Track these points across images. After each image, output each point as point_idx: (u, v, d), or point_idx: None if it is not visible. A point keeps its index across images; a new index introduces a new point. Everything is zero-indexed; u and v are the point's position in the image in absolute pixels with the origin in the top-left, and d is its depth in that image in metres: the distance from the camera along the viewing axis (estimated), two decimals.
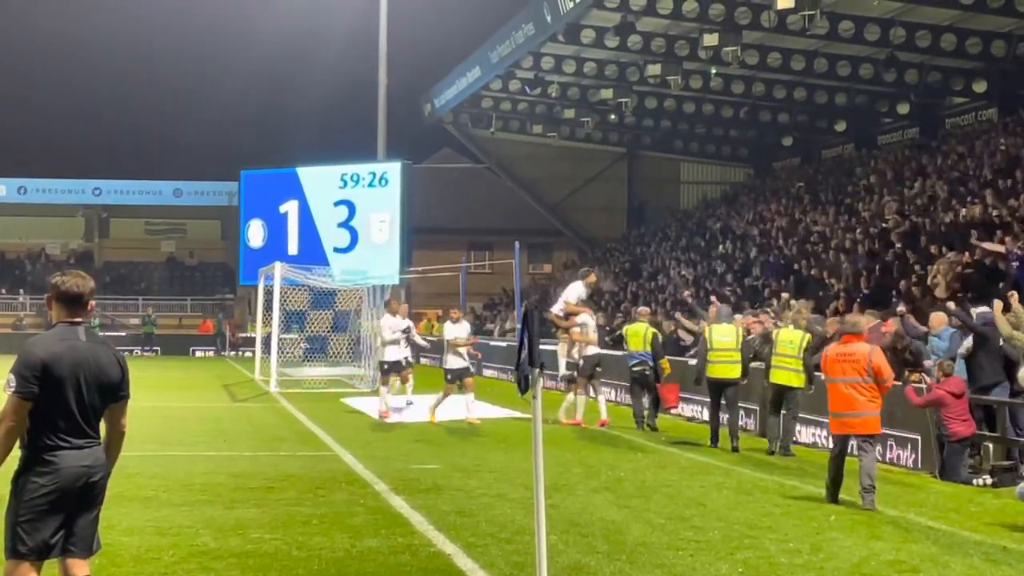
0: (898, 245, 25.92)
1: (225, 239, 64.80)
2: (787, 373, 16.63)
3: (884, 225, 28.51)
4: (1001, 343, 15.10)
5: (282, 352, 30.88)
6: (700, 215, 46.98)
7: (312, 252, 38.89)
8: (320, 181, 40.72)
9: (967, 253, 22.12)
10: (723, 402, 17.83)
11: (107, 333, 49.63)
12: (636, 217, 54.09)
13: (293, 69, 76.89)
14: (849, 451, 12.61)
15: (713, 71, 38.30)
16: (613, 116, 46.06)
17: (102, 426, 6.36)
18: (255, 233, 42.81)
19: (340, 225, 39.61)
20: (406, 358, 22.61)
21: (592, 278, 20.73)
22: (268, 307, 31.89)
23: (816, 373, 15.64)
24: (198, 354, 52.57)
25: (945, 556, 9.61)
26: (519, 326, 7.82)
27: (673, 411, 21.77)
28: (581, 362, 20.04)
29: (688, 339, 24.44)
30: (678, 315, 25.88)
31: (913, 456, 15.23)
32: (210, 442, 17.55)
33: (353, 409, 23.56)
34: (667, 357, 20.78)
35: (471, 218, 56.85)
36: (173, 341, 53.12)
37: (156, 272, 64.90)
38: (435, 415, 20.36)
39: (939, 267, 21.94)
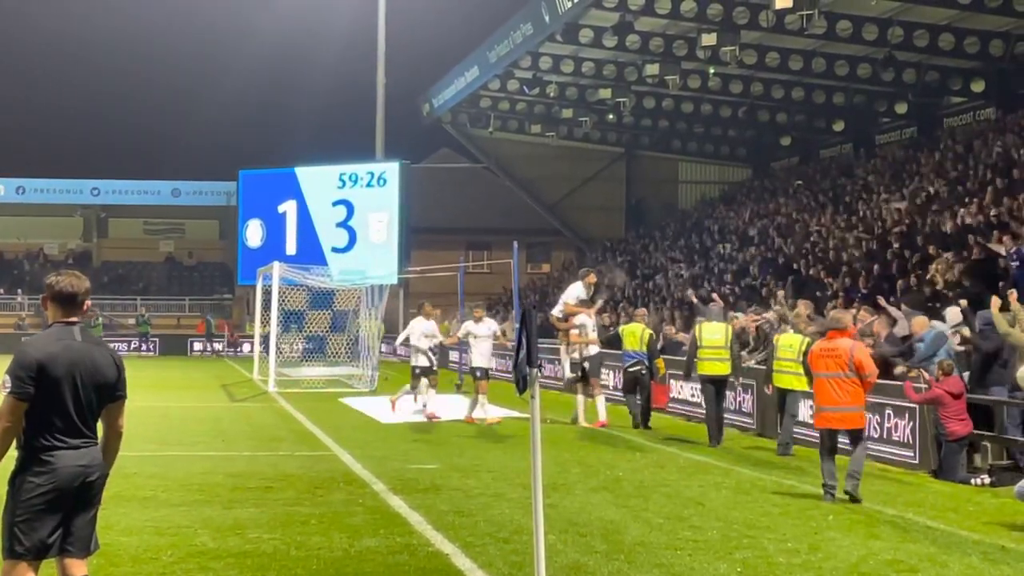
0: (896, 245, 25.92)
1: (223, 239, 64.84)
2: (789, 377, 16.78)
3: (882, 225, 28.53)
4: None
5: (279, 352, 30.89)
6: (698, 215, 46.99)
7: (310, 252, 38.88)
8: (318, 181, 40.71)
9: (965, 253, 22.14)
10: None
11: (107, 334, 49.77)
12: (634, 217, 54.09)
13: (292, 69, 77.04)
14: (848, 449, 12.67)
15: (711, 71, 38.30)
16: (611, 116, 46.05)
17: (99, 427, 6.36)
18: (253, 233, 42.80)
19: (338, 225, 39.60)
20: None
21: (591, 278, 20.71)
22: (267, 307, 31.91)
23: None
24: (196, 346, 52.78)
25: (943, 555, 9.62)
26: (517, 326, 7.82)
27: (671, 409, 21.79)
28: (586, 364, 20.04)
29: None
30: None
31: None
32: (208, 442, 17.55)
33: (353, 409, 23.56)
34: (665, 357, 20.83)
35: (469, 218, 56.86)
36: (172, 341, 53.18)
37: (154, 272, 64.92)
38: (473, 415, 20.45)
39: (938, 267, 21.96)
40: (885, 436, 15.57)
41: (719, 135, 49.36)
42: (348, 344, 33.41)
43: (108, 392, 6.27)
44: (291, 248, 39.93)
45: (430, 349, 21.58)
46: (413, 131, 56.02)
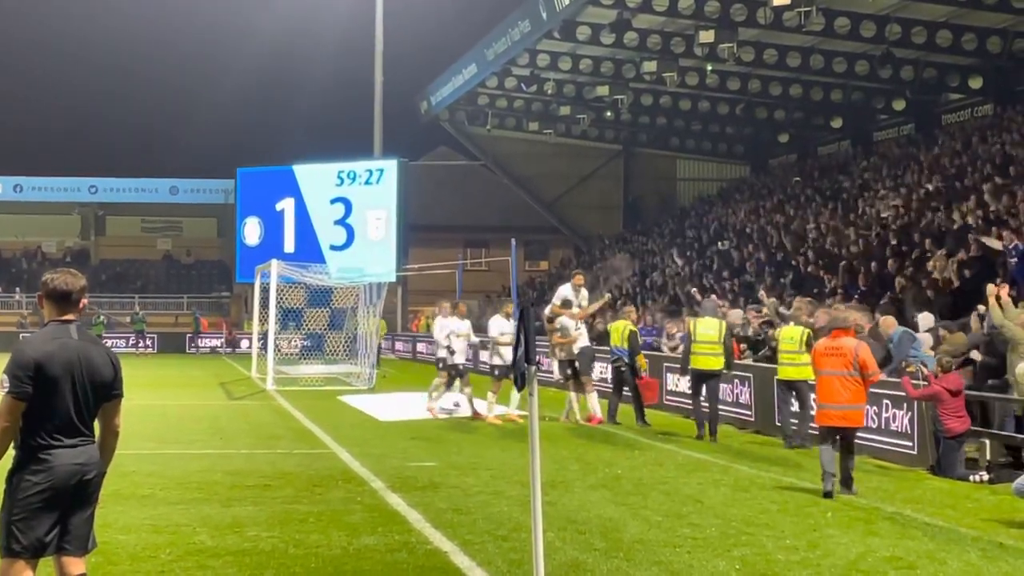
0: (894, 242, 25.92)
1: (221, 237, 64.83)
2: (791, 368, 16.96)
3: (880, 221, 28.54)
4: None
5: (277, 350, 30.88)
6: (696, 212, 47.00)
7: (308, 250, 38.89)
8: (316, 178, 40.71)
9: (963, 249, 22.15)
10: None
11: (106, 332, 49.79)
12: (632, 214, 54.10)
13: (289, 67, 77.05)
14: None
15: (709, 68, 38.31)
16: (609, 113, 46.07)
17: (96, 425, 6.35)
18: (251, 231, 42.81)
19: (336, 222, 39.61)
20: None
21: (578, 279, 20.92)
22: (265, 305, 31.90)
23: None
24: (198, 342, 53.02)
25: (942, 552, 9.61)
26: (515, 323, 7.81)
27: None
28: (577, 363, 20.08)
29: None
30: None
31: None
32: (207, 440, 17.54)
33: (351, 406, 23.55)
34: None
35: (467, 215, 56.88)
36: (170, 339, 53.20)
37: (152, 270, 64.93)
38: (491, 414, 20.46)
39: (936, 263, 21.97)
40: (883, 427, 15.61)
41: (717, 132, 49.37)
42: (346, 342, 33.40)
43: (105, 391, 6.27)
44: (289, 246, 39.94)
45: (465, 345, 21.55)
46: (411, 129, 56.07)
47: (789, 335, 17.08)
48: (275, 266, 31.24)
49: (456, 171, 56.99)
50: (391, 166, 39.55)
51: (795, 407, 17.21)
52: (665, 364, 22.79)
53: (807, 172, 41.63)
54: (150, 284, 63.20)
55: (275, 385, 28.21)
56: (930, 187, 29.32)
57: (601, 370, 23.57)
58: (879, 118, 40.94)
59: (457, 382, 21.43)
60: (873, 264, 25.06)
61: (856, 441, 13.18)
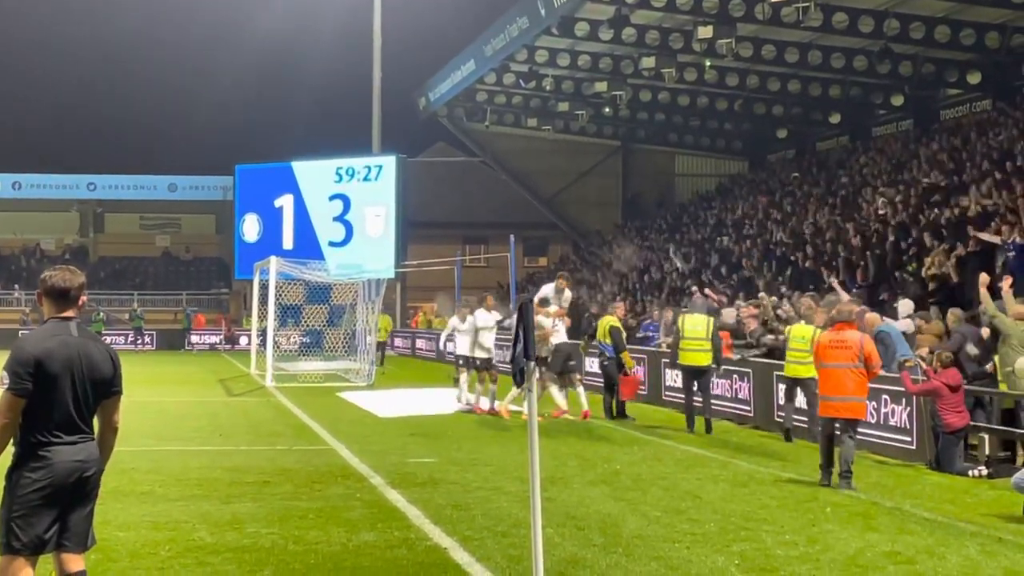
0: (892, 237, 25.93)
1: (220, 233, 64.79)
2: (800, 367, 17.02)
3: (879, 217, 28.54)
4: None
5: (276, 346, 30.88)
6: (695, 208, 46.99)
7: (307, 246, 38.85)
8: (315, 175, 40.65)
9: (962, 244, 22.17)
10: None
11: (106, 330, 49.80)
12: (631, 210, 54.09)
13: (287, 64, 77.02)
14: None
15: (707, 64, 38.26)
16: (607, 109, 46.04)
17: (95, 422, 6.35)
18: (250, 227, 42.76)
19: (335, 219, 39.56)
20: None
21: (562, 282, 21.15)
22: (264, 301, 31.89)
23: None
24: (193, 339, 52.89)
25: (941, 547, 9.62)
26: (514, 319, 7.81)
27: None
28: (549, 358, 20.09)
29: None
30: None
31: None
32: (206, 437, 17.54)
33: (350, 403, 23.56)
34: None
35: (466, 212, 56.85)
36: (169, 335, 53.17)
37: (151, 267, 64.90)
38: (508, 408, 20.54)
39: (934, 258, 21.98)
40: (882, 422, 15.63)
41: (715, 128, 49.36)
42: (345, 338, 33.38)
43: (105, 387, 6.27)
44: (288, 242, 39.89)
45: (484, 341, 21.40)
46: (409, 125, 56.09)
47: (800, 334, 17.24)
48: (274, 263, 31.21)
49: (455, 167, 56.97)
50: (390, 162, 39.49)
51: (800, 403, 17.27)
52: (663, 360, 22.79)
53: (805, 168, 41.63)
54: (149, 281, 63.19)
55: (274, 382, 28.21)
56: (928, 182, 29.32)
57: (589, 364, 23.71)
58: (877, 113, 40.92)
59: (464, 375, 21.52)
60: (871, 259, 25.08)
61: (856, 436, 13.23)
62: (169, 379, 31.04)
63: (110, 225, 67.18)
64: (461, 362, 21.84)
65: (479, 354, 21.10)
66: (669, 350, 20.94)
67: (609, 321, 20.62)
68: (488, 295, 22.86)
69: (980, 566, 9.02)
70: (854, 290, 22.79)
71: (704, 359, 18.48)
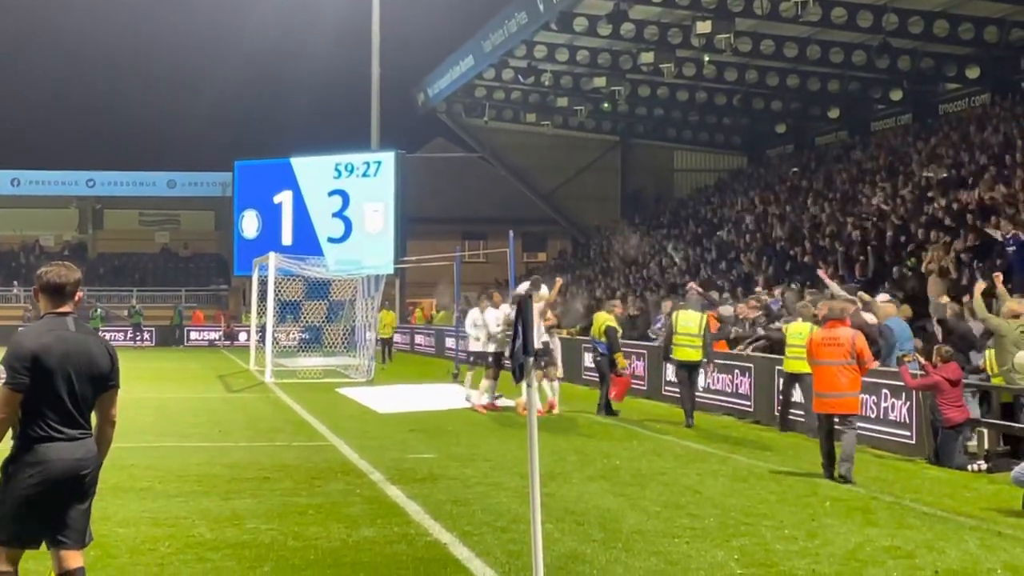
0: (891, 232, 25.93)
1: (219, 230, 64.77)
2: (800, 362, 17.05)
3: (878, 211, 28.54)
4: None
5: (275, 342, 30.87)
6: (694, 203, 46.98)
7: (306, 242, 38.91)
8: (314, 171, 40.70)
9: (961, 239, 22.17)
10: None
11: (105, 326, 49.84)
12: (631, 205, 54.06)
13: (286, 60, 77.02)
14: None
15: (706, 59, 38.27)
16: (606, 104, 46.01)
17: (93, 417, 6.35)
18: (249, 224, 42.82)
19: (334, 215, 39.61)
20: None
21: (534, 284, 21.11)
22: (263, 297, 31.88)
23: None
24: (192, 336, 52.87)
25: (940, 542, 9.63)
26: (513, 315, 7.81)
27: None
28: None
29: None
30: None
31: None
32: (205, 433, 17.54)
33: (349, 398, 23.56)
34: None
35: (465, 207, 56.81)
36: (168, 332, 53.17)
37: (150, 263, 64.87)
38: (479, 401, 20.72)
39: (934, 253, 21.99)
40: (882, 416, 15.66)
41: (714, 123, 49.33)
42: (344, 334, 33.38)
43: (102, 382, 6.26)
44: (287, 238, 39.96)
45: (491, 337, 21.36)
46: (408, 121, 56.06)
47: (797, 330, 17.54)
48: (273, 259, 31.22)
49: (453, 163, 56.92)
50: (388, 158, 39.56)
51: (797, 398, 17.56)
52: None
53: (804, 162, 41.62)
54: (148, 277, 63.16)
55: (273, 378, 28.21)
56: (927, 177, 29.31)
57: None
58: (876, 108, 40.89)
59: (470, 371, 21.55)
60: (870, 253, 25.07)
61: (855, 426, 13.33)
62: (168, 375, 31.03)
63: (109, 221, 67.13)
64: (475, 359, 21.49)
65: (491, 349, 21.08)
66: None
67: (606, 320, 20.56)
68: (495, 292, 22.88)
69: (979, 560, 9.03)
70: (850, 284, 22.80)
71: (696, 355, 18.75)
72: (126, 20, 75.31)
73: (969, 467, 13.82)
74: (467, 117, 51.49)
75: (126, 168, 65.01)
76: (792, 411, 17.74)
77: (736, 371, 20.16)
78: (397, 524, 10.25)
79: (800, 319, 18.02)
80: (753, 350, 20.56)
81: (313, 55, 71.58)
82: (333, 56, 65.28)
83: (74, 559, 6.19)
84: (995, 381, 14.95)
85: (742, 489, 12.23)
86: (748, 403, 19.77)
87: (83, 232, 66.36)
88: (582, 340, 25.65)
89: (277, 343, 31.54)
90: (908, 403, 15.15)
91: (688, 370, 18.94)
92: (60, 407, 6.07)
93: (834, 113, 41.94)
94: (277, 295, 30.94)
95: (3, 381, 6.00)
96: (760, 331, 21.04)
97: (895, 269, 23.42)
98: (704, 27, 31.87)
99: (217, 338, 52.77)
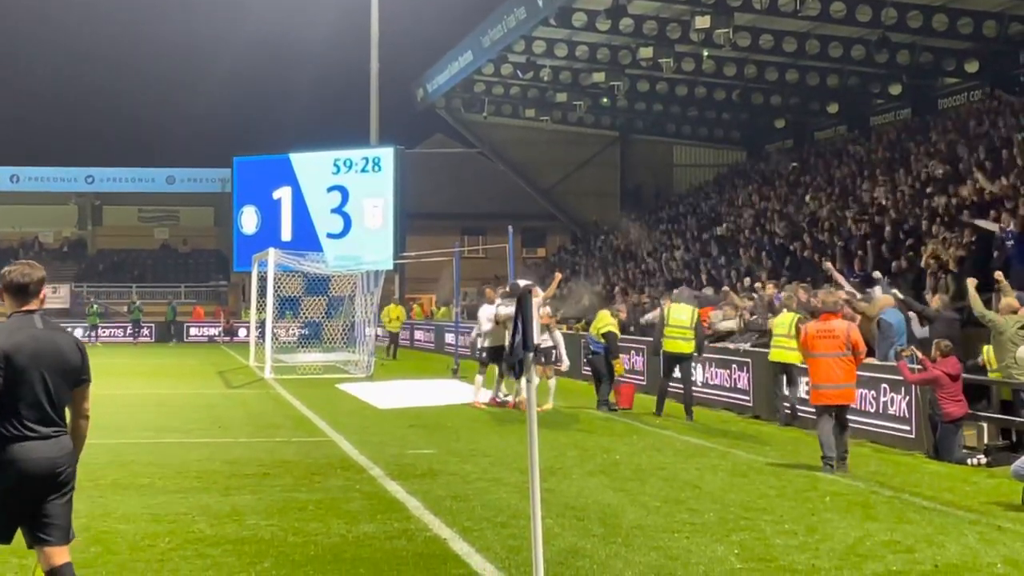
0: (890, 226, 25.92)
1: (218, 226, 64.80)
2: (784, 351, 17.79)
3: (877, 206, 28.52)
4: None
5: (275, 338, 30.87)
6: (693, 198, 46.96)
7: (306, 238, 38.89)
8: (313, 167, 40.67)
9: (960, 232, 22.16)
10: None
11: (104, 323, 49.88)
12: (630, 201, 54.03)
13: (285, 56, 76.92)
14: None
15: (705, 54, 38.21)
16: (605, 100, 45.95)
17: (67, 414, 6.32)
18: (248, 219, 42.79)
19: (333, 211, 39.59)
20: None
21: (535, 291, 21.00)
22: (262, 293, 31.87)
23: None
24: (192, 331, 52.89)
25: (940, 536, 9.64)
26: (513, 311, 7.80)
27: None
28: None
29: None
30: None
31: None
32: (205, 429, 17.54)
33: (349, 394, 23.56)
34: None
35: (464, 203, 56.75)
36: (167, 328, 53.16)
37: (149, 259, 64.90)
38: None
39: (933, 248, 21.98)
40: (881, 410, 15.67)
41: (713, 118, 49.27)
42: (344, 330, 33.38)
43: (74, 376, 6.24)
44: (286, 234, 39.92)
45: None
46: (407, 116, 56.02)
47: (780, 320, 18.06)
48: (272, 255, 31.22)
49: (453, 158, 56.87)
50: (388, 154, 39.52)
51: (784, 388, 18.05)
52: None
53: (804, 157, 41.58)
54: (147, 273, 63.19)
55: (273, 373, 28.21)
56: (926, 171, 29.29)
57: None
58: (875, 103, 40.85)
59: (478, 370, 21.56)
60: (869, 248, 25.05)
61: (853, 425, 13.60)
62: (168, 371, 31.04)
63: (108, 218, 67.14)
64: (486, 356, 21.18)
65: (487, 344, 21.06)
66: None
67: (608, 323, 20.53)
68: (488, 288, 22.87)
69: (979, 554, 9.03)
70: (851, 279, 22.80)
71: (686, 347, 18.94)
72: (125, 17, 75.28)
73: (969, 461, 13.83)
74: (466, 112, 51.47)
75: (125, 164, 65.04)
76: (784, 404, 18.06)
77: (734, 366, 20.19)
78: (397, 520, 10.26)
79: (785, 310, 18.40)
80: (752, 346, 20.59)
81: (312, 51, 71.50)
82: (332, 52, 65.20)
83: (60, 555, 6.16)
84: (992, 376, 15.00)
85: (742, 484, 12.25)
86: (747, 398, 19.81)
87: (82, 228, 66.37)
88: (584, 335, 25.63)
89: (277, 339, 31.55)
90: (907, 397, 15.18)
91: (676, 362, 19.12)
92: (35, 405, 6.03)
93: (833, 108, 41.88)
94: (276, 291, 30.95)
95: None
96: (741, 324, 21.36)
97: (894, 263, 23.40)
98: (703, 22, 31.83)
99: (217, 334, 52.75)
